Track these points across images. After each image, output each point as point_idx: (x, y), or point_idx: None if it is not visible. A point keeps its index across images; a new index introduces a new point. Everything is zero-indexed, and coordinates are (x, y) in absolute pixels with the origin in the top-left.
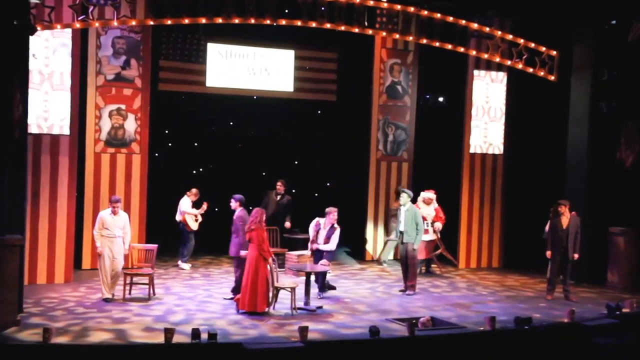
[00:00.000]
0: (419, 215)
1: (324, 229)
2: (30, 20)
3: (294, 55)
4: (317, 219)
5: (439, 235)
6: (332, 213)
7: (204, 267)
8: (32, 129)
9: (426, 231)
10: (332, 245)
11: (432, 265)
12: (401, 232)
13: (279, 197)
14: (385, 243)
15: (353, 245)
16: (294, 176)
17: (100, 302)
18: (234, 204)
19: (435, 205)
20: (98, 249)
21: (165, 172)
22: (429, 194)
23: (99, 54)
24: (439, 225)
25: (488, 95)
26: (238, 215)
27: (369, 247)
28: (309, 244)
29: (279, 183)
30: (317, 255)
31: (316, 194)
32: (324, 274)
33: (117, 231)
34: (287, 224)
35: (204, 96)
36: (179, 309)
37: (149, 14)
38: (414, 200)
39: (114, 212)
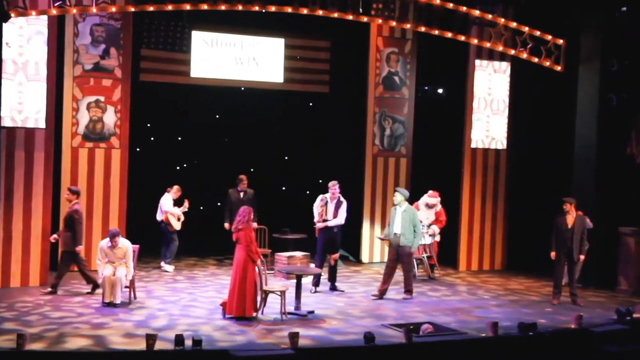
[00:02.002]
0: (417, 217)
1: (331, 202)
2: (3, 7)
3: (284, 44)
4: (320, 195)
5: (437, 239)
6: (334, 186)
7: (187, 269)
8: (5, 122)
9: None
10: (341, 219)
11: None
12: (395, 234)
13: (242, 194)
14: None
15: (348, 246)
16: (283, 172)
17: (78, 306)
18: (68, 195)
19: (438, 208)
20: (99, 279)
21: (147, 168)
22: (433, 200)
23: (76, 43)
24: (435, 228)
25: (490, 87)
26: (73, 209)
27: (364, 248)
28: (315, 222)
29: (243, 180)
30: (323, 233)
31: (307, 192)
32: (334, 267)
33: (117, 261)
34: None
35: (188, 87)
36: (161, 313)
37: (130, 0)
38: (415, 201)
39: (113, 245)
